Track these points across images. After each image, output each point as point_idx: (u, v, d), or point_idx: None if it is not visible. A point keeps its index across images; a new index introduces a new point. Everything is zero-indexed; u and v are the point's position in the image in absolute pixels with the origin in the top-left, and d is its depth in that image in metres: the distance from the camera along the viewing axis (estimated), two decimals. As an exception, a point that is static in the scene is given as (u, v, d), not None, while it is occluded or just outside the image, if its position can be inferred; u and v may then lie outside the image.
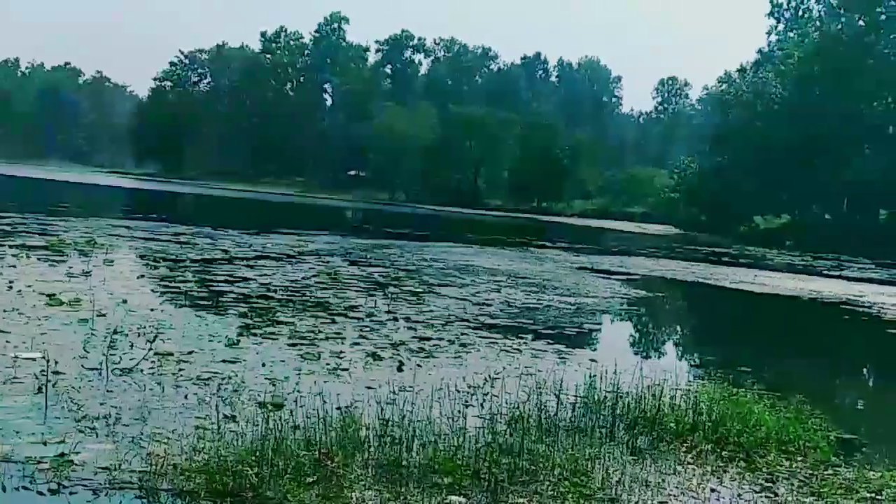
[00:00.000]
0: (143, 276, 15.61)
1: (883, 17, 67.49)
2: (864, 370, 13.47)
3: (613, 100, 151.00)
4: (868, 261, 42.57)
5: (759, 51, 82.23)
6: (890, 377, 13.49)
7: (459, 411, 7.35)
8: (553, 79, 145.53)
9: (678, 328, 17.53)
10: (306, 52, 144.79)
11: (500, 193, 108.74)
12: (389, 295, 14.71)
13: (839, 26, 69.77)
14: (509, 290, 17.22)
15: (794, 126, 63.25)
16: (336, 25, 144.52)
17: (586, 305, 15.82)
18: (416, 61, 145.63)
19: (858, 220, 64.32)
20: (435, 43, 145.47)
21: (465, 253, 26.79)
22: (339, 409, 6.97)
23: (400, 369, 9.10)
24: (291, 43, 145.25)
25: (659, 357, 12.59)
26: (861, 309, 20.19)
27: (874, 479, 6.60)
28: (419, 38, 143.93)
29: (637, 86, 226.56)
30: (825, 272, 33.10)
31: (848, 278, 30.59)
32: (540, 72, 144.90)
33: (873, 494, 6.31)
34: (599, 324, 14.03)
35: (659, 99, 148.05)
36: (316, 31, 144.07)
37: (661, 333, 16.00)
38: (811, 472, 6.78)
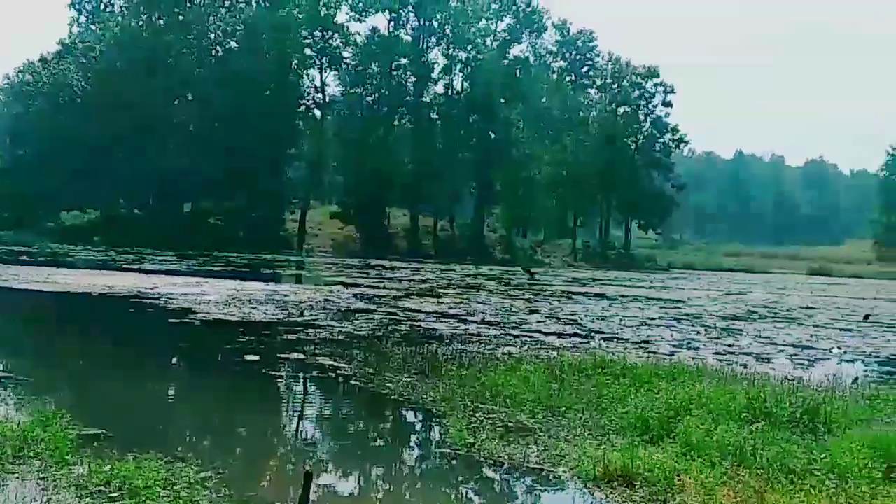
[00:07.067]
0: None
1: (181, 18, 70.67)
2: (130, 360, 13.22)
3: None
4: (171, 253, 44.21)
5: (61, 42, 79.35)
6: (154, 365, 13.54)
7: None
8: None
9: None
10: None
11: None
12: None
13: (140, 23, 71.07)
14: None
15: (99, 120, 62.89)
16: None
17: None
18: None
19: (165, 213, 66.65)
20: None
21: None
22: None
23: None
24: None
25: None
26: (149, 301, 20.67)
27: (102, 471, 6.71)
28: None
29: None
30: (125, 266, 33.49)
31: (146, 271, 31.29)
32: None
33: (100, 487, 6.29)
34: None
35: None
36: None
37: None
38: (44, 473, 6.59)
